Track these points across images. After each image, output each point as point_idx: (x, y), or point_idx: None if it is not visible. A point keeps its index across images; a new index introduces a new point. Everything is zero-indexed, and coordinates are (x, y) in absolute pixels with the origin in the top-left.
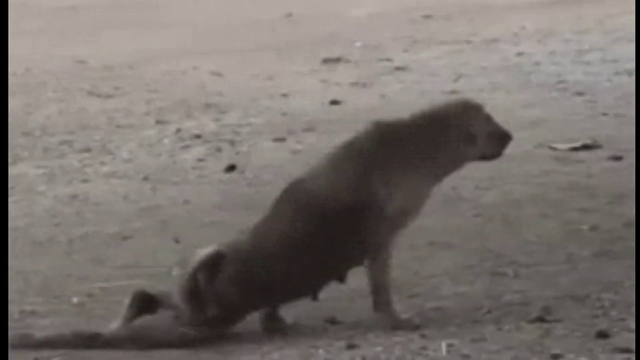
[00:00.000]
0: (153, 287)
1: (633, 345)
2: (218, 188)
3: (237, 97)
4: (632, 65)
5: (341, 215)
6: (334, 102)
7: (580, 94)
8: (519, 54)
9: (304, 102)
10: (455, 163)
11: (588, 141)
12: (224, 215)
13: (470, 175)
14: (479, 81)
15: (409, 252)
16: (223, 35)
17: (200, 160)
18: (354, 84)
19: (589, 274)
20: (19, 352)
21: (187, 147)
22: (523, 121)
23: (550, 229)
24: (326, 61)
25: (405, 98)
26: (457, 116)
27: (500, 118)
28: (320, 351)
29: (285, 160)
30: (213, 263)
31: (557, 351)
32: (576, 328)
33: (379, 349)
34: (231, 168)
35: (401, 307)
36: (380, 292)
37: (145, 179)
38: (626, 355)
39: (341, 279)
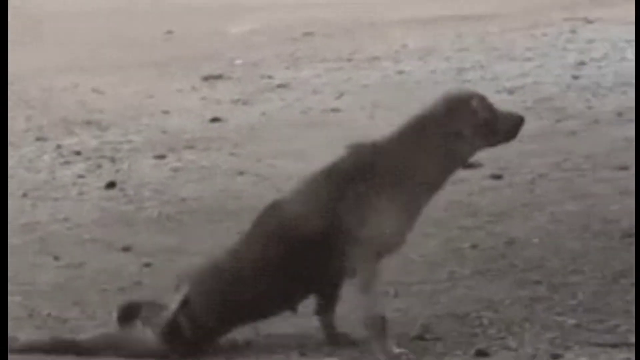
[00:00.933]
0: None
1: None
2: (98, 205)
3: (118, 115)
4: (513, 83)
5: (311, 240)
6: (215, 120)
7: None
8: (400, 72)
9: (185, 119)
10: (448, 166)
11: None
12: (104, 232)
13: None
14: (361, 99)
15: None
16: (104, 52)
17: (80, 176)
18: (235, 102)
19: (469, 292)
20: None
21: (67, 163)
22: None
23: (431, 247)
24: (207, 79)
25: (286, 116)
26: (436, 121)
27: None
28: None
29: (165, 178)
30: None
31: None
32: (455, 346)
33: None
34: (111, 185)
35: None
36: (369, 321)
37: (25, 195)
38: None
39: (294, 309)
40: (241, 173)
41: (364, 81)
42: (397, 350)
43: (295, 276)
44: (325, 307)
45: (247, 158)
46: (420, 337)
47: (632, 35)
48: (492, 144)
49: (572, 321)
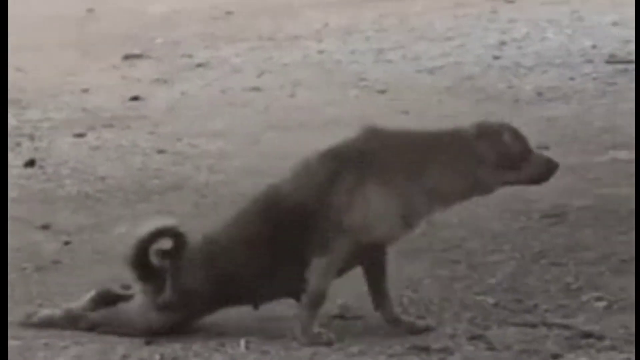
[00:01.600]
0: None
1: (432, 344)
2: (17, 183)
3: (38, 93)
4: (434, 63)
5: (299, 218)
6: (135, 99)
7: (381, 91)
8: (321, 51)
9: (105, 98)
10: (462, 189)
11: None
12: (23, 210)
13: (271, 172)
14: (281, 78)
15: None
16: (24, 30)
17: None
18: (155, 81)
19: (389, 271)
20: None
21: None
22: (325, 119)
23: None
24: (127, 57)
25: (206, 95)
26: (464, 137)
27: (302, 115)
28: (119, 347)
29: (84, 156)
30: (174, 243)
31: (358, 348)
32: (374, 326)
33: (177, 345)
34: (30, 163)
35: None
36: (314, 302)
37: None
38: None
39: (298, 298)
40: (161, 152)
41: (285, 60)
42: (316, 330)
43: (286, 256)
44: (379, 294)
45: (166, 137)
46: (341, 316)
47: (553, 15)
48: (518, 181)
49: (491, 301)
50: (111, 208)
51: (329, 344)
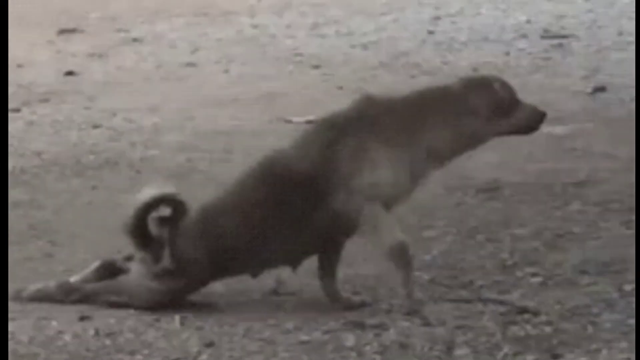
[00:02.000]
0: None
1: (367, 320)
2: None
3: None
4: (368, 38)
5: (302, 183)
6: (69, 73)
7: (316, 67)
8: (255, 26)
9: (39, 73)
10: (458, 143)
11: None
12: None
13: (205, 148)
14: (216, 53)
15: None
16: None
17: None
18: (90, 55)
19: None
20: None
21: None
22: (259, 94)
23: None
24: (62, 32)
25: (141, 70)
26: (454, 92)
27: (236, 90)
28: (54, 322)
29: (20, 131)
30: (172, 210)
31: (293, 323)
32: (309, 302)
33: (112, 320)
34: None
35: None
36: (398, 255)
37: None
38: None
39: (295, 267)
40: (96, 127)
41: (219, 35)
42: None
43: (286, 223)
44: (326, 270)
45: (102, 112)
46: (275, 292)
47: None
48: (509, 131)
49: (426, 277)
50: (47, 183)
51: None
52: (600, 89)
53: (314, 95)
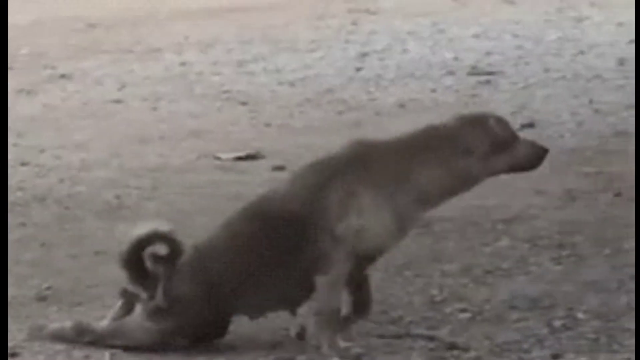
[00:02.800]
0: None
1: (297, 356)
2: None
3: None
4: (295, 75)
5: (296, 228)
6: None
7: (243, 103)
8: (182, 63)
9: None
10: (452, 184)
11: (251, 151)
12: None
13: (133, 184)
14: (143, 90)
15: (72, 261)
16: None
17: None
18: (18, 92)
19: None
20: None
21: None
22: (187, 131)
23: None
24: None
25: (68, 106)
26: (448, 131)
27: (164, 127)
28: None
29: None
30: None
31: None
32: (238, 338)
33: (41, 357)
34: None
35: (63, 317)
36: (329, 320)
37: None
38: None
39: (293, 310)
40: (24, 164)
41: (146, 73)
42: (343, 344)
43: (277, 265)
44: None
45: (30, 149)
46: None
47: (414, 27)
48: (508, 169)
49: None
50: None
51: (357, 357)
52: (528, 125)
53: (241, 132)
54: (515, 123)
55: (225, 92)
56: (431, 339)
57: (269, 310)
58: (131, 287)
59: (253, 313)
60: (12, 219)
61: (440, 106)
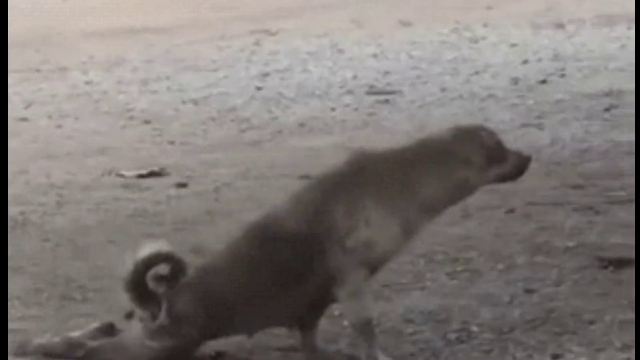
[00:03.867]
0: None
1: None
2: None
3: None
4: (198, 94)
5: (297, 241)
6: None
7: (147, 122)
8: (88, 82)
9: None
10: (453, 193)
11: (155, 168)
12: None
13: (38, 201)
14: (49, 109)
15: None
16: None
17: None
18: None
19: None
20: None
21: None
22: (92, 148)
23: (116, 254)
24: None
25: None
26: (444, 143)
27: (69, 144)
28: None
29: None
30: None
31: None
32: None
33: None
34: None
35: None
36: (362, 330)
37: None
38: None
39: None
40: None
41: (53, 91)
42: (384, 358)
43: (282, 283)
44: (307, 322)
45: None
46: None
47: (314, 48)
48: (499, 179)
49: None
50: None
51: None
52: None
53: (145, 149)
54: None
55: (130, 110)
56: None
57: (268, 327)
58: (136, 310)
59: (253, 331)
60: None
61: (340, 124)
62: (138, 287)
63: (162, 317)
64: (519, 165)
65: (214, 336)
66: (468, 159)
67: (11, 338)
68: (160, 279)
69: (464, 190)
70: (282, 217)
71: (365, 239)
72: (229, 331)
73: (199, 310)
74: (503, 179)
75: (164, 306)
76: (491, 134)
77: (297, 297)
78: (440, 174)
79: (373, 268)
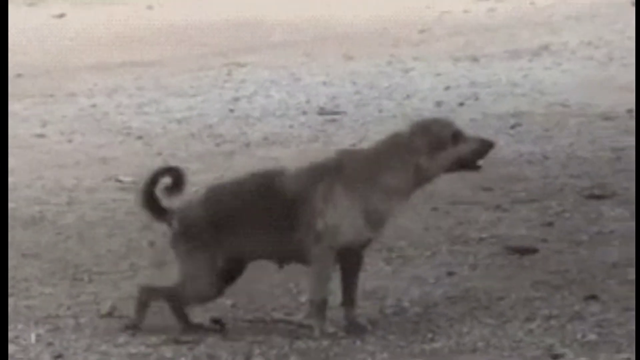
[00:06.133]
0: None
1: (182, 337)
2: None
3: None
4: (182, 114)
5: (290, 207)
6: None
7: (140, 137)
8: (93, 105)
9: None
10: (414, 181)
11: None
12: None
13: (52, 201)
14: (61, 127)
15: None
16: None
17: None
18: None
19: (148, 280)
20: None
21: None
22: (95, 159)
23: (116, 244)
24: None
25: None
26: (403, 136)
27: (77, 156)
28: None
29: None
30: (172, 178)
31: (123, 340)
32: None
33: None
34: None
35: None
36: (318, 307)
37: None
38: None
39: (280, 265)
40: None
41: (64, 113)
42: (331, 330)
43: (269, 228)
44: (345, 297)
45: None
46: (110, 314)
47: (275, 77)
48: (456, 163)
49: (229, 302)
50: None
51: (343, 338)
52: None
53: (138, 159)
54: None
55: (126, 128)
56: (289, 322)
57: (262, 257)
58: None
59: (247, 258)
60: None
61: (296, 139)
62: (151, 203)
63: (175, 225)
64: (477, 150)
65: (219, 247)
66: (417, 148)
67: (30, 313)
68: (168, 192)
69: (419, 175)
70: (283, 175)
71: (332, 223)
72: (233, 243)
73: (206, 219)
74: (463, 163)
75: (176, 216)
76: (446, 124)
77: (280, 244)
78: (398, 162)
79: (341, 253)
